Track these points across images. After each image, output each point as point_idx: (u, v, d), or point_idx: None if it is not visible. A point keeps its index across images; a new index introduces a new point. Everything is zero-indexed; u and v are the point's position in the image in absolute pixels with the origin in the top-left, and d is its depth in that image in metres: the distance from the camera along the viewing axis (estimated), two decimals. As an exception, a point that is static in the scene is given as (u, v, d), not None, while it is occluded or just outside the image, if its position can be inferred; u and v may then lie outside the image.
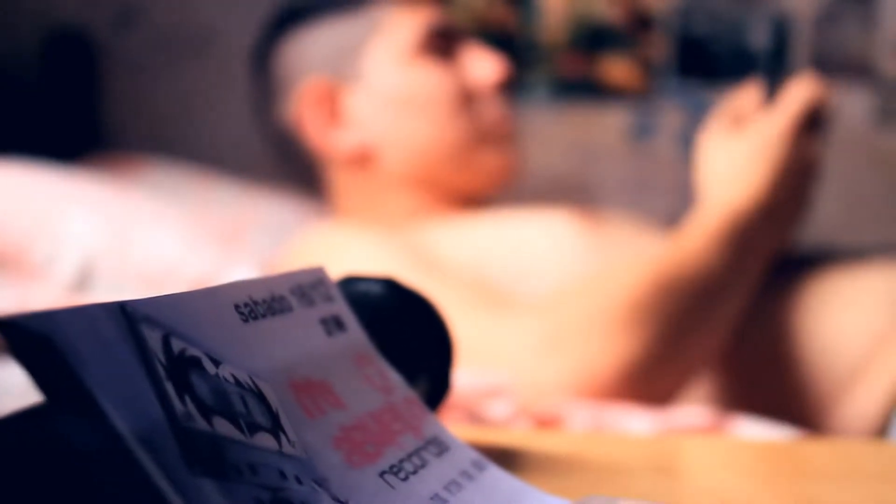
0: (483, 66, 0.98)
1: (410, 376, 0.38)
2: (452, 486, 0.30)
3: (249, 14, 1.40)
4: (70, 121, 1.45)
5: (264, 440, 0.26)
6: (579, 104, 1.47)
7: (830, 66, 1.40)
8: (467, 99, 0.97)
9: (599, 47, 1.46)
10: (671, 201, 1.45)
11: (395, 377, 0.35)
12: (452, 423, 0.59)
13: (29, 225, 0.90)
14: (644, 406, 0.70)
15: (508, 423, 0.62)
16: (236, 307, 0.29)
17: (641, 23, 1.45)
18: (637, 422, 0.63)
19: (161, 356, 0.24)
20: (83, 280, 0.88)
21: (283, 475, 0.25)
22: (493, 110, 0.98)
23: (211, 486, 0.23)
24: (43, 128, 1.42)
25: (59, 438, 0.22)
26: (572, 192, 1.47)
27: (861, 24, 1.43)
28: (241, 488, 0.23)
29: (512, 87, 1.46)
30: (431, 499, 0.29)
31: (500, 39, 1.45)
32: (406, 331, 0.38)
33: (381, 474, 0.29)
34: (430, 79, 0.96)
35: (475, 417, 0.62)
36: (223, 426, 0.25)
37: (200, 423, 0.24)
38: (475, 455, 0.33)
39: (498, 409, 0.63)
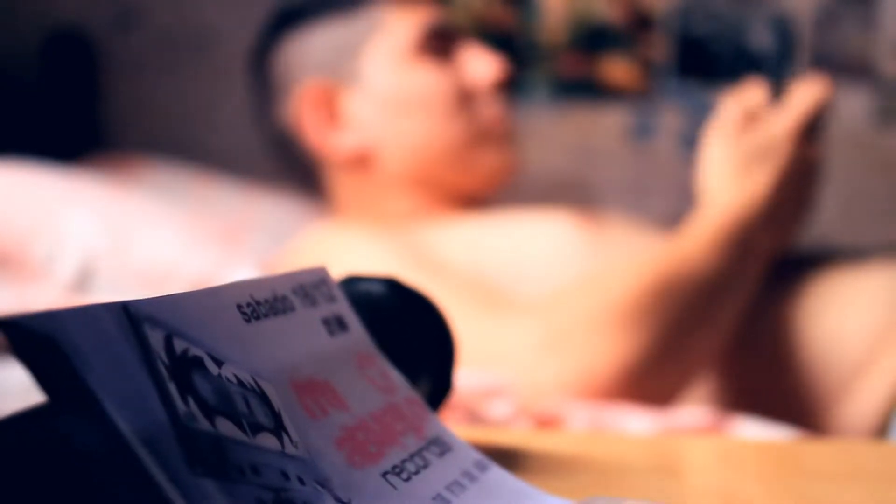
0: (481, 65, 0.98)
1: (412, 376, 0.38)
2: (455, 486, 0.30)
3: (249, 14, 1.40)
4: (70, 121, 1.45)
5: (267, 440, 0.26)
6: (579, 104, 1.47)
7: (830, 66, 1.40)
8: (466, 99, 0.96)
9: (599, 47, 1.46)
10: (671, 202, 1.45)
11: (397, 377, 0.35)
12: (453, 423, 0.59)
13: (29, 225, 0.90)
14: (644, 406, 0.70)
15: (509, 423, 0.62)
16: (239, 307, 0.29)
17: (641, 23, 1.45)
18: (637, 422, 0.63)
19: (163, 356, 0.24)
20: (83, 280, 0.88)
21: (285, 475, 0.25)
22: (491, 110, 0.97)
23: (213, 486, 0.23)
24: (43, 128, 1.42)
25: (61, 438, 0.22)
26: (572, 192, 1.47)
27: (861, 24, 1.43)
28: (244, 489, 0.23)
29: (511, 87, 1.46)
30: (434, 499, 0.29)
31: (500, 39, 1.45)
32: (408, 331, 0.38)
33: (384, 475, 0.29)
34: (429, 79, 0.96)
35: (476, 417, 0.62)
36: (225, 426, 0.25)
37: (203, 424, 0.24)
38: (477, 455, 0.33)
39: (498, 409, 0.63)
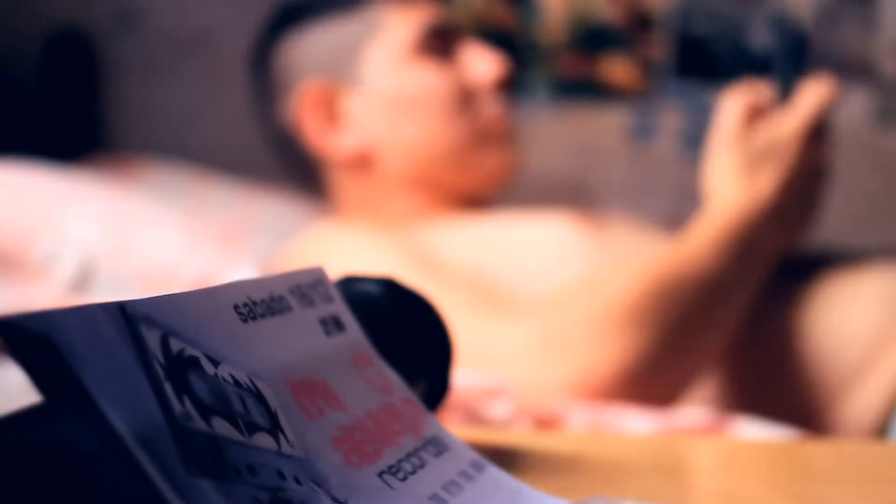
0: (482, 63, 0.98)
1: (410, 376, 0.38)
2: (451, 486, 0.30)
3: (249, 15, 1.40)
4: (70, 122, 1.45)
5: (263, 440, 0.26)
6: (579, 104, 1.47)
7: (830, 66, 1.40)
8: (466, 98, 0.96)
9: (599, 47, 1.46)
10: (671, 202, 1.45)
11: (394, 377, 0.35)
12: (452, 424, 0.59)
13: (29, 225, 0.90)
14: (645, 407, 0.70)
15: (508, 424, 0.62)
16: (235, 307, 0.29)
17: (641, 23, 1.45)
18: (637, 422, 0.63)
19: (160, 356, 0.24)
20: (83, 280, 0.88)
21: (281, 475, 0.25)
22: (492, 109, 0.97)
23: (209, 486, 0.23)
24: (44, 129, 1.42)
25: (58, 439, 0.21)
26: (572, 192, 1.46)
27: (861, 24, 1.43)
28: (240, 488, 0.23)
29: (511, 87, 1.46)
30: (430, 499, 0.29)
31: (500, 39, 1.45)
32: (405, 331, 0.38)
33: (380, 474, 0.29)
34: (429, 79, 0.96)
35: (475, 417, 0.62)
36: (222, 426, 0.24)
37: (199, 424, 0.24)
38: (474, 455, 0.33)
39: (498, 409, 0.63)
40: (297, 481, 0.26)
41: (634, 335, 0.70)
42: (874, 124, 1.43)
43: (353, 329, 0.35)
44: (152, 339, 0.24)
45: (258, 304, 0.30)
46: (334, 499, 0.26)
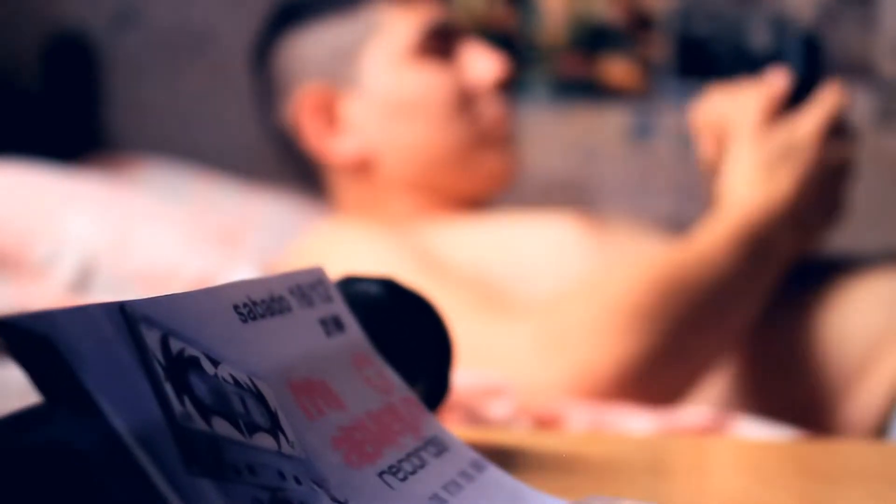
0: (482, 64, 0.97)
1: (410, 377, 0.38)
2: (451, 486, 0.30)
3: (248, 15, 1.40)
4: (71, 122, 1.45)
5: (263, 440, 0.26)
6: (579, 104, 1.47)
7: (830, 66, 1.40)
8: (466, 100, 0.96)
9: (599, 47, 1.46)
10: (671, 202, 1.45)
11: (394, 377, 0.35)
12: (452, 424, 0.59)
13: (29, 225, 0.90)
14: (646, 407, 0.70)
15: (508, 423, 0.62)
16: (235, 307, 0.29)
17: (641, 23, 1.45)
18: (637, 422, 0.63)
19: (160, 356, 0.24)
20: (83, 280, 0.88)
21: (281, 475, 0.25)
22: (492, 110, 0.97)
23: (209, 486, 0.23)
24: (44, 129, 1.42)
25: (58, 439, 0.21)
26: (572, 192, 1.46)
27: (861, 24, 1.43)
28: (240, 488, 0.23)
29: (511, 87, 1.46)
30: (430, 499, 0.29)
31: (500, 39, 1.45)
32: (405, 331, 0.38)
33: (381, 474, 0.29)
34: (429, 81, 0.96)
35: (475, 417, 0.62)
36: (222, 426, 0.24)
37: (199, 424, 0.24)
38: (474, 455, 0.33)
39: (498, 409, 0.63)
40: (297, 481, 0.26)
41: (635, 335, 0.70)
42: (874, 124, 1.43)
43: (353, 329, 0.35)
44: (152, 339, 0.24)
45: (258, 304, 0.30)
46: (334, 499, 0.26)
